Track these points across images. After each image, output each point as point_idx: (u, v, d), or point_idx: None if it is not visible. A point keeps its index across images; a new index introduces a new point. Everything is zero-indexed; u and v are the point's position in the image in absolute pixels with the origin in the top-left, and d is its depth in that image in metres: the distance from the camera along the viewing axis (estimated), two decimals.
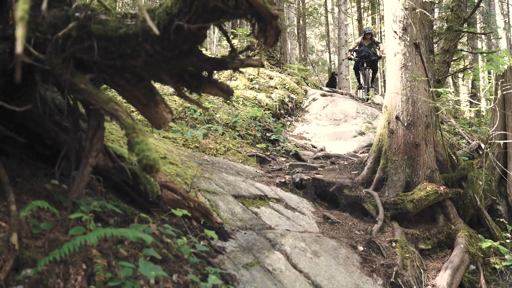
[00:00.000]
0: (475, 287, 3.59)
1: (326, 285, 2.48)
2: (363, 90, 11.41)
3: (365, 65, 10.91)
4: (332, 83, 15.52)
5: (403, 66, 4.76)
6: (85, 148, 1.51)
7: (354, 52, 11.23)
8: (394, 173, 4.61)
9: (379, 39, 19.24)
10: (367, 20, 19.53)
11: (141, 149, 1.23)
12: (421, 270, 3.46)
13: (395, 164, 4.64)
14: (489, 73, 13.69)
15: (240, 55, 1.43)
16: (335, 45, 22.51)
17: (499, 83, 5.23)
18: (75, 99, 1.59)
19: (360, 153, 7.27)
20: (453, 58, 8.54)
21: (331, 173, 5.14)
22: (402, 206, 4.16)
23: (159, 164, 1.23)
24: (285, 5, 16.24)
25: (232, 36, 11.46)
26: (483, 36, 17.59)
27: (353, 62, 11.73)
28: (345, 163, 5.88)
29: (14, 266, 1.26)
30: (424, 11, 4.84)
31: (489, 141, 5.30)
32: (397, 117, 4.74)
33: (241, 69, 1.46)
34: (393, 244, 3.50)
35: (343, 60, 18.88)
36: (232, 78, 9.14)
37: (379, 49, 11.17)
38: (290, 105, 9.55)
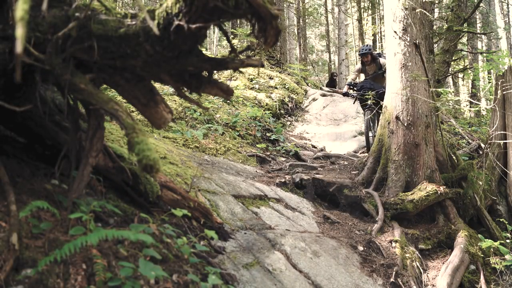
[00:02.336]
0: (475, 287, 3.59)
1: (326, 285, 2.48)
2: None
3: (369, 102, 6.54)
4: (332, 83, 15.54)
5: (403, 66, 4.76)
6: (85, 148, 1.51)
7: (352, 88, 7.23)
8: (394, 173, 4.61)
9: (379, 39, 19.15)
10: (367, 20, 19.54)
11: (141, 149, 1.23)
12: (421, 270, 3.46)
13: (395, 164, 4.64)
14: (489, 73, 13.69)
15: (240, 55, 1.43)
16: (335, 45, 22.51)
17: (499, 83, 5.23)
18: (75, 99, 1.59)
19: (360, 153, 7.28)
20: (453, 58, 8.53)
21: (331, 173, 5.14)
22: (402, 206, 4.16)
23: (159, 164, 1.23)
24: (285, 5, 16.26)
25: (232, 36, 11.47)
26: (483, 36, 17.60)
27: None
28: (345, 163, 5.88)
29: (14, 266, 1.26)
30: (424, 11, 4.84)
31: (489, 141, 5.30)
32: (397, 117, 4.74)
33: (241, 69, 1.46)
34: (393, 244, 3.50)
35: (343, 60, 18.89)
36: (232, 78, 9.14)
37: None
38: (290, 105, 9.56)
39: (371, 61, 6.99)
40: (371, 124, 6.86)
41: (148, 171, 1.22)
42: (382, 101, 6.01)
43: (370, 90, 6.64)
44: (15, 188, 1.54)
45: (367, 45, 7.17)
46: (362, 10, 18.66)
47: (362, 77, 7.47)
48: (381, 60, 6.96)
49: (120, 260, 1.50)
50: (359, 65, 7.36)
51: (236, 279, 2.05)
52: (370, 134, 6.81)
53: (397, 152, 4.67)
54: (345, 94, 7.19)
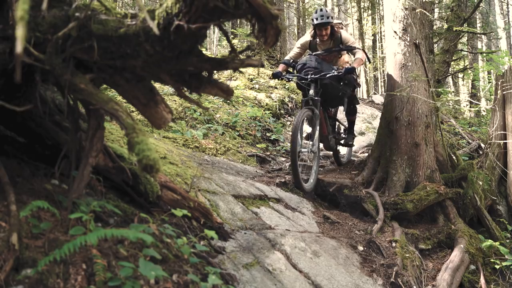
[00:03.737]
0: (475, 287, 3.60)
1: (326, 285, 2.48)
2: (311, 152, 4.38)
3: (311, 91, 4.34)
4: None
5: (403, 66, 4.76)
6: (85, 148, 1.51)
7: (289, 69, 4.72)
8: (394, 173, 4.61)
9: (379, 39, 19.13)
10: (367, 20, 19.54)
11: (141, 149, 1.23)
12: (421, 270, 3.46)
13: (395, 164, 4.64)
14: (489, 73, 13.69)
15: (240, 55, 1.43)
16: None
17: (499, 83, 5.23)
18: (75, 99, 1.59)
19: (360, 153, 7.28)
20: (453, 58, 8.53)
21: (331, 173, 5.14)
22: (402, 206, 4.16)
23: (159, 164, 1.23)
24: (285, 5, 16.26)
25: (232, 36, 11.47)
26: (483, 36, 17.60)
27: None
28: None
29: (14, 266, 1.26)
30: (424, 11, 4.84)
31: (489, 141, 5.30)
32: (397, 117, 4.74)
33: (241, 69, 1.46)
34: (393, 244, 3.50)
35: None
36: (232, 78, 9.14)
37: (353, 56, 4.81)
38: (290, 105, 9.56)
39: (329, 37, 4.54)
40: (313, 121, 4.26)
41: (148, 171, 1.22)
42: (334, 91, 4.39)
43: (315, 72, 4.27)
44: (15, 188, 1.54)
45: (325, 11, 4.43)
46: (362, 10, 18.65)
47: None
48: (343, 34, 4.59)
49: (120, 260, 1.50)
50: (307, 37, 4.72)
51: (236, 279, 2.05)
52: (304, 149, 4.13)
53: (397, 152, 4.67)
54: (275, 76, 4.37)
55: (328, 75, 4.24)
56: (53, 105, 1.84)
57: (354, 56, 4.72)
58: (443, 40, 7.99)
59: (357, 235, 3.59)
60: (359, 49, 4.54)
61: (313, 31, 4.64)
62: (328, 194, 4.47)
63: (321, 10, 4.42)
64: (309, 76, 4.27)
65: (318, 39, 4.62)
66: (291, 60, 4.69)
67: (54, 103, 1.87)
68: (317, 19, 4.38)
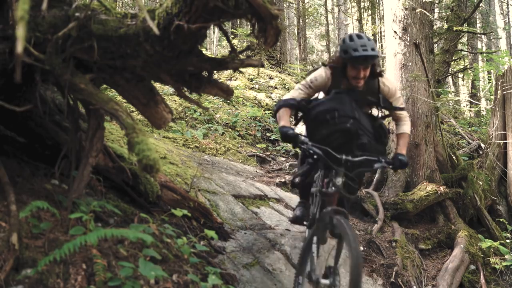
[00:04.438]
0: (475, 287, 3.59)
1: None
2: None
3: (338, 180, 2.18)
4: None
5: (403, 66, 4.76)
6: (85, 148, 1.51)
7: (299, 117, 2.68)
8: (394, 173, 4.61)
9: (379, 39, 19.14)
10: (367, 20, 19.53)
11: (141, 149, 1.23)
12: (421, 270, 3.46)
13: None
14: (489, 73, 13.68)
15: (240, 55, 1.43)
16: (335, 45, 22.49)
17: (499, 83, 5.23)
18: (75, 99, 1.59)
19: None
20: (453, 58, 8.52)
21: None
22: (402, 206, 4.16)
23: (159, 164, 1.23)
24: (285, 5, 16.25)
25: (232, 36, 11.47)
26: (483, 36, 17.59)
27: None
28: None
29: (14, 266, 1.26)
30: (424, 11, 4.84)
31: (489, 141, 5.30)
32: None
33: (241, 69, 1.46)
34: (393, 244, 3.50)
35: None
36: (232, 78, 9.14)
37: (395, 122, 2.69)
38: None
39: (368, 79, 2.51)
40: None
41: (148, 171, 1.22)
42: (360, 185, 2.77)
43: (353, 127, 2.36)
44: (15, 188, 1.54)
45: (367, 38, 2.38)
46: (362, 10, 18.64)
47: None
48: (385, 80, 2.56)
49: (120, 260, 1.50)
50: (323, 74, 2.66)
51: (236, 279, 2.05)
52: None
53: None
54: (286, 137, 2.23)
55: (376, 165, 2.30)
56: (53, 105, 1.84)
57: (397, 124, 2.73)
58: (443, 40, 7.98)
59: (357, 235, 3.59)
60: (405, 112, 2.72)
61: (339, 68, 2.58)
62: None
63: (359, 37, 2.40)
64: (344, 157, 2.22)
65: (347, 82, 2.55)
66: (300, 100, 2.62)
67: (54, 103, 1.87)
68: (356, 50, 2.33)
